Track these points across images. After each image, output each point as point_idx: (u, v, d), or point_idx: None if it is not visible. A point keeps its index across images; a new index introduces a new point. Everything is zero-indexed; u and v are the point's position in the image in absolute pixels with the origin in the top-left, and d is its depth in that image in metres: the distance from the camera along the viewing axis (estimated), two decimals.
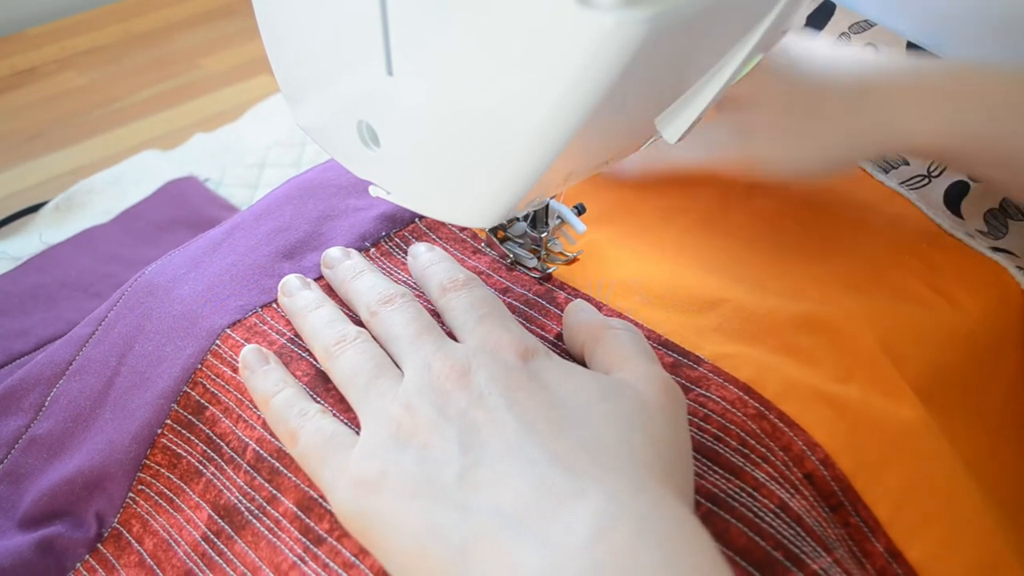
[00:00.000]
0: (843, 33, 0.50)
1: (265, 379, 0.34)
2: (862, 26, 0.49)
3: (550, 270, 0.40)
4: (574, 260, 0.41)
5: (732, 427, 0.33)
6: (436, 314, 0.36)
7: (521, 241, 0.40)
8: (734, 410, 0.33)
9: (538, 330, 0.37)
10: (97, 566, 0.36)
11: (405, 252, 0.41)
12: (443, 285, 0.36)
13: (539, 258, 0.40)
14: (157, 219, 0.66)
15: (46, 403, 0.40)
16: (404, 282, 0.40)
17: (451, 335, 0.34)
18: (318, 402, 0.34)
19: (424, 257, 0.38)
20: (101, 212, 0.66)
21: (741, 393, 0.34)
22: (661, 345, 0.36)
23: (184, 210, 0.67)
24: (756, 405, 0.33)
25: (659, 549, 0.24)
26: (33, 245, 0.63)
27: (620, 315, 0.38)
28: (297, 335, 0.37)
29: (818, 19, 0.51)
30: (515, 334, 0.32)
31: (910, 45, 0.48)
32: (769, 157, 0.41)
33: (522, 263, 0.40)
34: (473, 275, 0.36)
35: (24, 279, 0.59)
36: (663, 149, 0.41)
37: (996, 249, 0.44)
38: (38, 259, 0.61)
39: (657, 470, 0.28)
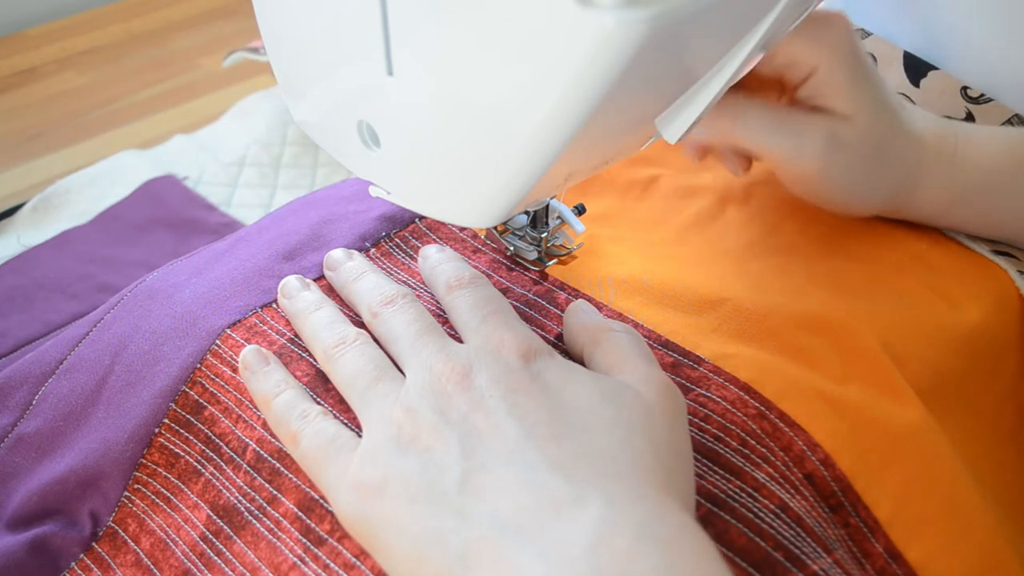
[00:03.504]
0: None
1: (266, 380, 0.34)
2: (860, 35, 0.49)
3: (550, 263, 0.40)
4: (573, 254, 0.41)
5: (732, 427, 0.33)
6: (441, 315, 0.36)
7: (521, 234, 0.40)
8: (734, 410, 0.33)
9: (538, 330, 0.37)
10: (92, 565, 0.36)
11: (405, 252, 0.41)
12: (449, 283, 0.36)
13: (539, 252, 0.40)
14: (136, 219, 0.65)
15: (34, 401, 0.40)
16: (404, 282, 0.40)
17: (456, 335, 0.34)
18: (319, 403, 0.34)
19: (434, 257, 0.38)
20: (79, 213, 0.66)
21: (741, 393, 0.34)
22: (661, 345, 0.36)
23: (163, 210, 0.66)
24: (756, 405, 0.33)
25: (659, 555, 0.24)
26: (11, 247, 0.63)
27: (621, 315, 0.38)
28: (297, 335, 0.37)
29: None
30: (518, 334, 0.32)
31: (907, 55, 0.48)
32: (838, 181, 0.41)
33: (522, 256, 0.40)
34: (479, 274, 0.36)
35: (1, 281, 0.59)
36: (751, 122, 0.40)
37: (998, 252, 0.44)
38: (15, 261, 0.61)
39: (658, 475, 0.28)
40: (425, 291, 0.39)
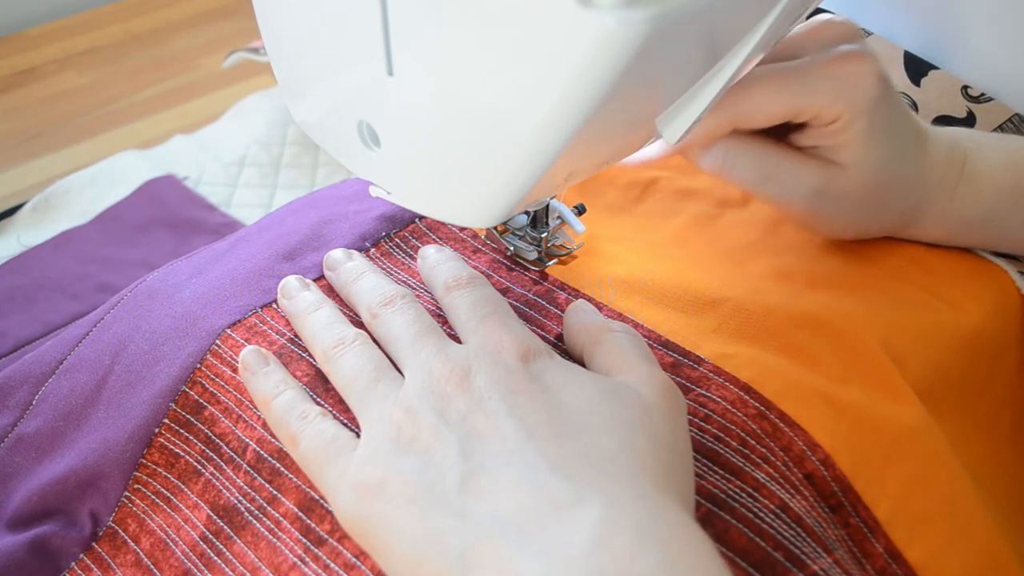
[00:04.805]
0: None
1: (266, 381, 0.34)
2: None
3: (550, 263, 0.40)
4: (574, 254, 0.41)
5: (732, 427, 0.33)
6: (441, 316, 0.36)
7: (521, 234, 0.40)
8: (734, 410, 0.33)
9: (538, 330, 0.37)
10: (92, 565, 0.36)
11: (405, 252, 0.41)
12: (447, 284, 0.36)
13: (539, 252, 0.40)
14: (136, 219, 0.65)
15: (34, 401, 0.40)
16: (404, 282, 0.40)
17: (455, 336, 0.34)
18: (319, 403, 0.34)
19: (432, 258, 0.38)
20: (79, 213, 0.66)
21: (742, 393, 0.34)
22: (661, 345, 0.36)
23: (163, 210, 0.66)
24: (756, 405, 0.33)
25: (659, 555, 0.24)
26: (11, 247, 0.63)
27: (621, 315, 0.38)
28: (297, 335, 0.37)
29: None
30: (517, 334, 0.32)
31: (907, 55, 0.48)
32: (825, 223, 0.41)
33: (522, 256, 0.40)
34: (478, 274, 0.36)
35: (1, 281, 0.59)
36: (740, 168, 0.39)
37: (998, 253, 0.44)
38: (15, 261, 0.61)
39: (658, 475, 0.28)
40: (425, 291, 0.39)
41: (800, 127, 0.40)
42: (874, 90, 0.38)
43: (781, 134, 0.40)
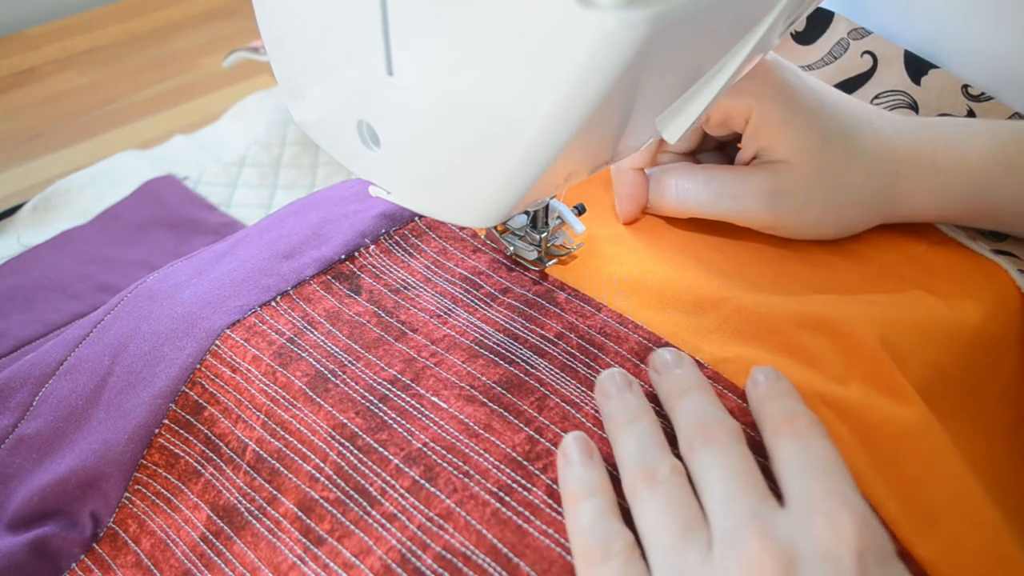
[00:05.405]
0: (841, 39, 0.50)
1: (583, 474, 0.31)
2: (860, 33, 0.49)
3: (550, 263, 0.40)
4: (574, 254, 0.41)
5: None
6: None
7: (521, 234, 0.40)
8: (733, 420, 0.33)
9: (538, 329, 0.37)
10: (93, 566, 0.36)
11: (404, 250, 0.41)
12: (778, 425, 0.30)
13: (539, 252, 0.40)
14: (136, 219, 0.66)
15: (34, 403, 0.40)
16: (403, 280, 0.39)
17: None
18: (320, 405, 0.34)
19: (762, 387, 0.32)
20: (79, 213, 0.66)
21: (740, 401, 0.34)
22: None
23: (163, 210, 0.66)
24: None
25: None
26: (11, 247, 0.63)
27: (621, 315, 0.38)
28: (297, 335, 0.37)
29: (817, 25, 0.51)
30: (858, 518, 0.27)
31: (908, 54, 0.48)
32: (796, 221, 0.41)
33: (522, 256, 0.40)
34: (816, 419, 0.31)
35: (1, 281, 0.59)
36: (692, 194, 0.41)
37: (999, 252, 0.44)
38: (15, 261, 0.61)
39: None
40: (426, 288, 0.39)
41: (737, 146, 0.41)
42: (774, 77, 0.39)
43: (727, 161, 0.42)
